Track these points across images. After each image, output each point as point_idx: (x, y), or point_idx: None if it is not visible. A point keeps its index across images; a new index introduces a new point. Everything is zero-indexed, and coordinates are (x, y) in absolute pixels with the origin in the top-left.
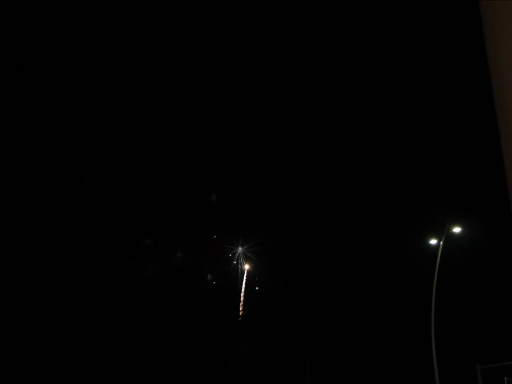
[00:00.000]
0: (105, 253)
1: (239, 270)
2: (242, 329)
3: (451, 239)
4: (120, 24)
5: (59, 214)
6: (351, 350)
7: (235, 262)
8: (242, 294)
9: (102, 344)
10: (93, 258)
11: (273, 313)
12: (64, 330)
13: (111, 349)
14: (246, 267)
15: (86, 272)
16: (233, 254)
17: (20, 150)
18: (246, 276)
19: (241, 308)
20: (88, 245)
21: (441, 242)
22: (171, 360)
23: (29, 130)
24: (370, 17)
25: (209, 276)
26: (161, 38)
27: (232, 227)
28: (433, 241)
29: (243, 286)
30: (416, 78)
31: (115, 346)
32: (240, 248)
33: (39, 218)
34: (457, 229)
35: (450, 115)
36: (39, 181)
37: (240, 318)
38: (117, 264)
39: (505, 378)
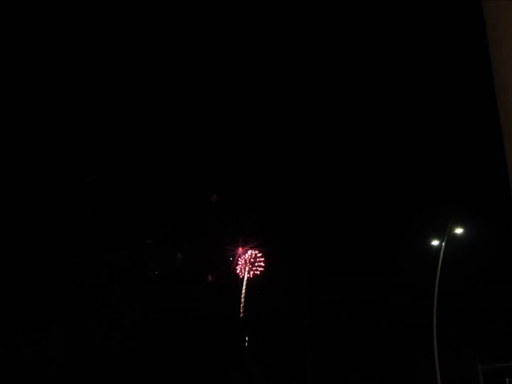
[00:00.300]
0: (105, 253)
1: (239, 270)
2: (243, 329)
3: (452, 239)
4: (120, 25)
5: (59, 214)
6: (351, 350)
7: (235, 262)
8: (243, 294)
9: (102, 344)
10: (93, 258)
11: (273, 313)
12: (64, 330)
13: (111, 349)
14: (247, 267)
15: (86, 272)
16: (233, 255)
17: (20, 151)
18: (247, 277)
19: (241, 309)
20: (88, 245)
21: (443, 243)
22: (171, 360)
23: (29, 131)
24: (373, 17)
25: (209, 277)
26: (161, 38)
27: (232, 227)
28: (435, 242)
29: (244, 286)
30: (418, 78)
31: (115, 346)
32: (240, 249)
33: (39, 218)
34: (459, 230)
35: (452, 115)
36: (39, 181)
37: (240, 318)
38: (117, 264)
39: (507, 379)
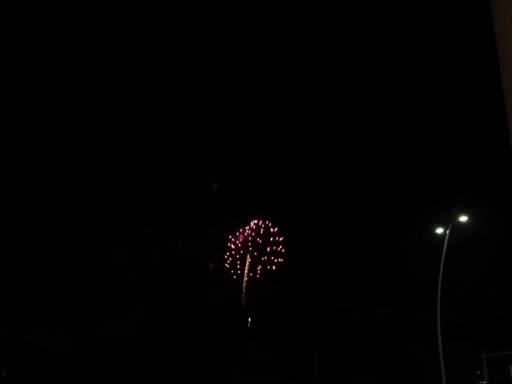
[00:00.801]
0: (105, 253)
1: (239, 265)
2: (244, 318)
3: (457, 227)
4: (120, 25)
5: (60, 214)
6: (354, 345)
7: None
8: (244, 284)
9: (102, 344)
10: (93, 258)
11: (276, 310)
12: (64, 330)
13: (111, 348)
14: (248, 260)
15: (86, 272)
16: (235, 243)
17: (20, 151)
18: (247, 274)
19: (243, 299)
20: (88, 245)
21: (447, 232)
22: (172, 358)
23: (29, 131)
24: (381, 16)
25: (210, 265)
26: (159, 35)
27: (234, 218)
28: (439, 230)
29: (246, 272)
30: (424, 75)
31: (115, 346)
32: (241, 237)
33: (40, 218)
34: (463, 218)
35: (457, 106)
36: (39, 181)
37: (242, 315)
38: (117, 264)
39: (510, 366)
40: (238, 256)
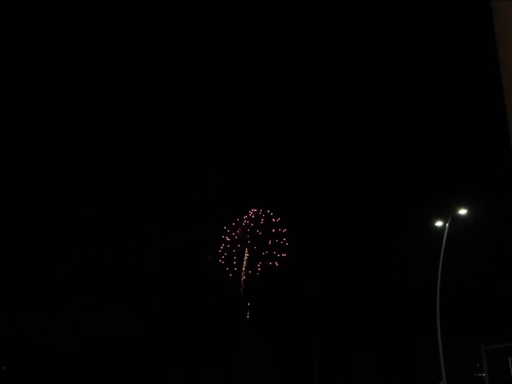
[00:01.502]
0: (105, 253)
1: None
2: (244, 322)
3: (456, 221)
4: (120, 24)
5: (59, 214)
6: (355, 339)
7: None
8: (243, 278)
9: (102, 344)
10: (93, 258)
11: (276, 309)
12: (64, 330)
13: (111, 349)
14: (246, 253)
15: (86, 272)
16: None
17: (20, 150)
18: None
19: (242, 292)
20: (88, 245)
21: (446, 225)
22: (171, 359)
23: (28, 130)
24: (383, 17)
25: (208, 258)
26: (160, 31)
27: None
28: (438, 223)
29: (244, 264)
30: (424, 73)
31: (115, 346)
32: (239, 230)
33: (39, 218)
34: (462, 211)
35: (457, 106)
36: (39, 181)
37: (241, 314)
38: (117, 264)
39: (509, 358)
40: (234, 251)
